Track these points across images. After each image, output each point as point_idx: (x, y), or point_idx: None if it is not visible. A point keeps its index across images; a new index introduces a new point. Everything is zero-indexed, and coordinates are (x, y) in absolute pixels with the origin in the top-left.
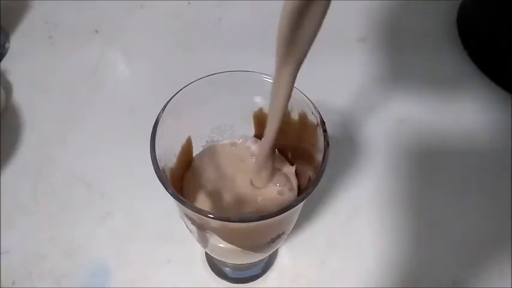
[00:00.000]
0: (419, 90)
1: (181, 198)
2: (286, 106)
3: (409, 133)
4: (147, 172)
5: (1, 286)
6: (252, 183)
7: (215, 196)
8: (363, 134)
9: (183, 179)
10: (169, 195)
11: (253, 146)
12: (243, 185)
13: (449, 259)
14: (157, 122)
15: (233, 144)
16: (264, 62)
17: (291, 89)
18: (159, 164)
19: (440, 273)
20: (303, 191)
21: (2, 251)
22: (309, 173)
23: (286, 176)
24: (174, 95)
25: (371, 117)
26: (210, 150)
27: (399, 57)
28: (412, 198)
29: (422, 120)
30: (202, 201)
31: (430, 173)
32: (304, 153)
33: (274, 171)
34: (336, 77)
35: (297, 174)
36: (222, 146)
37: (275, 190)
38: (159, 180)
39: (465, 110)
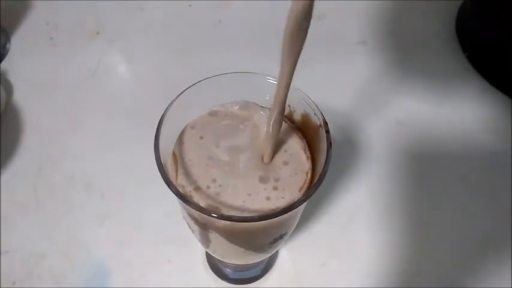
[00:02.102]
0: (418, 93)
1: (185, 197)
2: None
3: (408, 135)
4: (147, 172)
5: (1, 286)
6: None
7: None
8: (363, 136)
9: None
10: (169, 195)
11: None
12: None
13: (448, 259)
14: (161, 122)
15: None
16: (265, 63)
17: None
18: (162, 163)
19: (439, 273)
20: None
21: (2, 251)
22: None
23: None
24: (178, 96)
25: (371, 119)
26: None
27: (399, 60)
28: (412, 199)
29: (421, 122)
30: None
31: (430, 174)
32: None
33: (281, 144)
34: (336, 80)
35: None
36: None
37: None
38: (163, 179)
39: (464, 113)
